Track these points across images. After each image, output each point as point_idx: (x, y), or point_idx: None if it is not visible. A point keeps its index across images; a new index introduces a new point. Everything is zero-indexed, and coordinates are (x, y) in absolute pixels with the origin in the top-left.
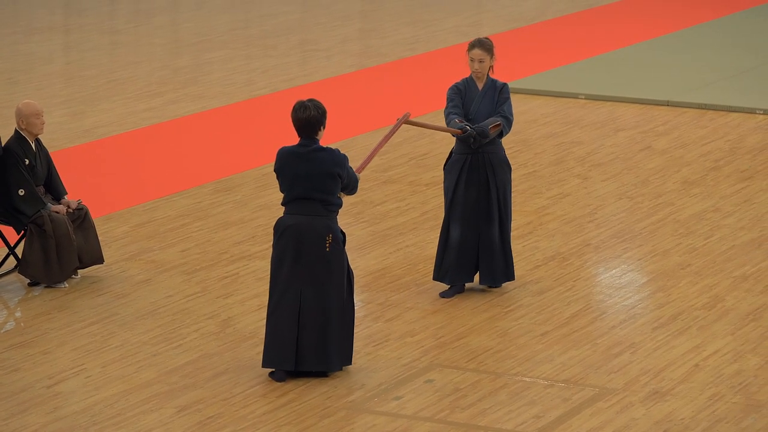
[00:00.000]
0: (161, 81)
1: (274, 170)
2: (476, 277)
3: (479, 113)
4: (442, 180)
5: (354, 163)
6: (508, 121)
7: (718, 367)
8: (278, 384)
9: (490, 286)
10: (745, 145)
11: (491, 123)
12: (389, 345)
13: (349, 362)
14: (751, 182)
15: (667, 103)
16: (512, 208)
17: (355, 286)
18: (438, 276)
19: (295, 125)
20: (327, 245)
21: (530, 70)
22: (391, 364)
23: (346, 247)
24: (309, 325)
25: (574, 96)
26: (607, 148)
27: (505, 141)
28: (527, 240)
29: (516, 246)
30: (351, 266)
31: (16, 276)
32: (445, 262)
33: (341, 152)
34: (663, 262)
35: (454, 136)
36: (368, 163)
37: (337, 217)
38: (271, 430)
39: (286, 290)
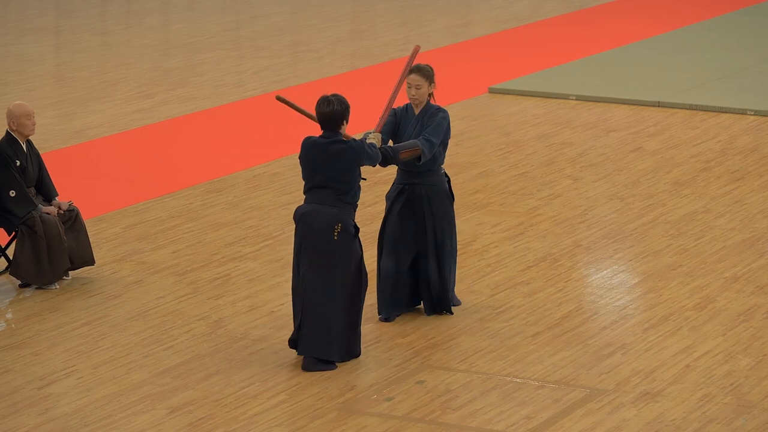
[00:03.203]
0: (152, 82)
1: (298, 158)
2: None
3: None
4: None
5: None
6: (430, 144)
7: (710, 368)
8: (270, 385)
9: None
10: (736, 145)
11: (406, 147)
12: (381, 346)
13: (355, 355)
14: (742, 183)
15: (658, 104)
16: (502, 209)
17: None
18: (378, 310)
19: (318, 119)
20: (335, 234)
21: (521, 71)
22: (383, 365)
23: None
24: (312, 312)
25: (565, 97)
26: (598, 149)
27: (497, 142)
28: (518, 241)
29: (507, 247)
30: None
31: (7, 277)
32: (380, 293)
33: (358, 141)
34: (654, 262)
35: None
36: (386, 115)
37: (354, 211)
38: (262, 431)
39: (297, 276)
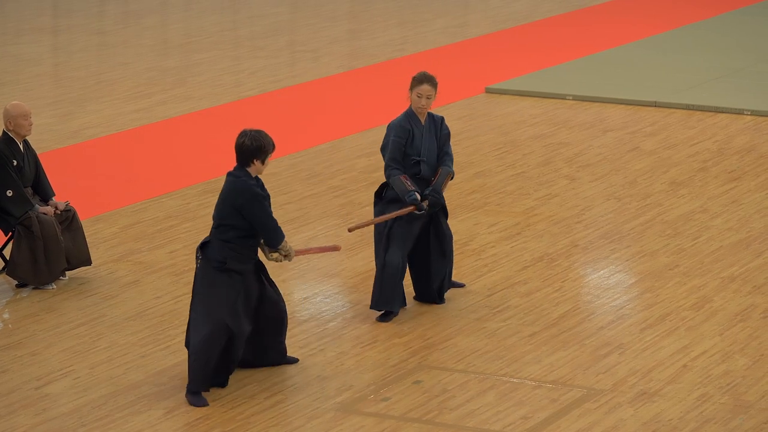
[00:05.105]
0: (150, 82)
1: None
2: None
3: (429, 151)
4: None
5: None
6: (451, 159)
7: (707, 368)
8: (267, 385)
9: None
10: (732, 145)
11: (443, 181)
12: (377, 346)
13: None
14: (739, 183)
15: (655, 104)
16: (499, 209)
17: (344, 287)
18: (378, 304)
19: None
20: (197, 261)
21: (518, 71)
22: (380, 365)
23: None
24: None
25: (562, 97)
26: (595, 149)
27: (494, 142)
28: (515, 241)
29: (504, 247)
30: (278, 291)
31: (4, 278)
32: (385, 288)
33: (255, 190)
34: (651, 262)
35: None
36: (304, 253)
37: (230, 251)
38: (259, 431)
39: None
